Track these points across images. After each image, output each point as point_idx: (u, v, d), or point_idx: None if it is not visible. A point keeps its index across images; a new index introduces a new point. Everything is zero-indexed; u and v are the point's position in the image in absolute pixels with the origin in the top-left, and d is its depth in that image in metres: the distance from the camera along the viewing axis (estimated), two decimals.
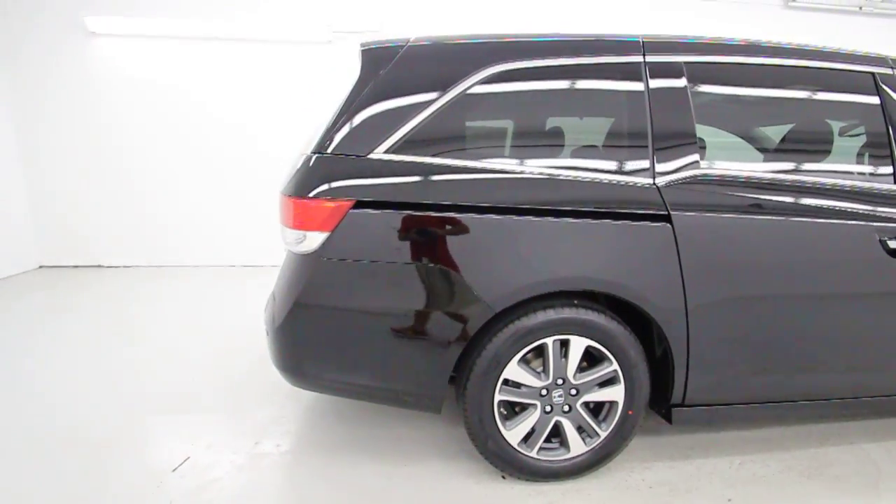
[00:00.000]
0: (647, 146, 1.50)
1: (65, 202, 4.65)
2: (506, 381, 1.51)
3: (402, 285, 1.43)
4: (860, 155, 1.76)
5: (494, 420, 1.52)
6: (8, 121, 4.43)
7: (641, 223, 1.45)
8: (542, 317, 1.46)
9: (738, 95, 1.67)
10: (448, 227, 1.41)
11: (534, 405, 1.55)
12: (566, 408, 1.56)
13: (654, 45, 1.55)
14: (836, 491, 1.61)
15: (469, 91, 1.48)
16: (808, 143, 1.75)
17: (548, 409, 1.55)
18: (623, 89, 1.53)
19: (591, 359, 1.55)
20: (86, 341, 2.83)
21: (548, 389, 1.54)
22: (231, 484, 1.60)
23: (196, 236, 4.81)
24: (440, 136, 1.47)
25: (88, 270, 4.63)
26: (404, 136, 1.45)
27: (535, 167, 1.49)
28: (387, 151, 1.44)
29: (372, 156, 1.44)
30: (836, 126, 1.82)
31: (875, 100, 1.64)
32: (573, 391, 1.55)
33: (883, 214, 1.58)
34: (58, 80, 4.40)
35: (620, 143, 1.56)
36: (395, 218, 1.41)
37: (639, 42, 1.55)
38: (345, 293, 1.44)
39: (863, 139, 1.76)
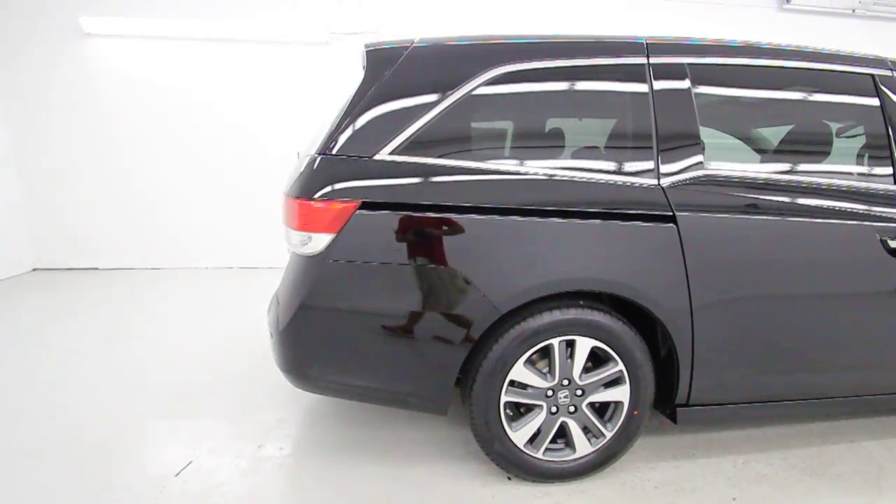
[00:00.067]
0: (651, 147, 1.51)
1: (59, 203, 4.60)
2: (512, 383, 1.51)
3: (408, 287, 1.43)
4: (860, 156, 1.78)
5: (501, 421, 1.52)
6: (1, 121, 4.38)
7: (647, 224, 1.46)
8: (547, 318, 1.46)
9: (741, 97, 1.69)
10: (454, 228, 1.41)
11: (539, 406, 1.55)
12: (572, 408, 1.56)
13: (658, 46, 1.56)
14: (838, 489, 1.62)
15: (475, 92, 1.48)
16: (809, 144, 1.77)
17: (553, 409, 1.55)
18: (627, 91, 1.53)
19: (595, 359, 1.55)
20: (83, 345, 2.80)
21: (553, 390, 1.54)
22: (235, 488, 1.58)
23: (194, 238, 4.77)
24: (446, 138, 1.47)
25: (84, 273, 4.58)
26: (410, 137, 1.44)
27: (541, 168, 1.49)
28: (392, 153, 1.44)
29: (377, 157, 1.44)
30: (835, 127, 1.84)
31: (875, 101, 1.66)
32: (579, 392, 1.55)
33: (883, 214, 1.60)
34: (52, 80, 4.35)
35: (625, 144, 1.56)
36: (401, 219, 1.40)
37: (643, 44, 1.56)
38: (350, 295, 1.44)
39: (862, 140, 1.78)
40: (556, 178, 1.47)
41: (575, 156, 1.66)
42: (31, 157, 4.49)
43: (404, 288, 1.43)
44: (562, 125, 1.70)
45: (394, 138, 1.44)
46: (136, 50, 4.40)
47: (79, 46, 4.31)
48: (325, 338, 1.48)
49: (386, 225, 1.40)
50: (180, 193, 4.71)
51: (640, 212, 1.46)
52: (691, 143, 1.53)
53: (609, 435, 1.59)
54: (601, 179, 1.49)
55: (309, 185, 1.43)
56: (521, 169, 1.48)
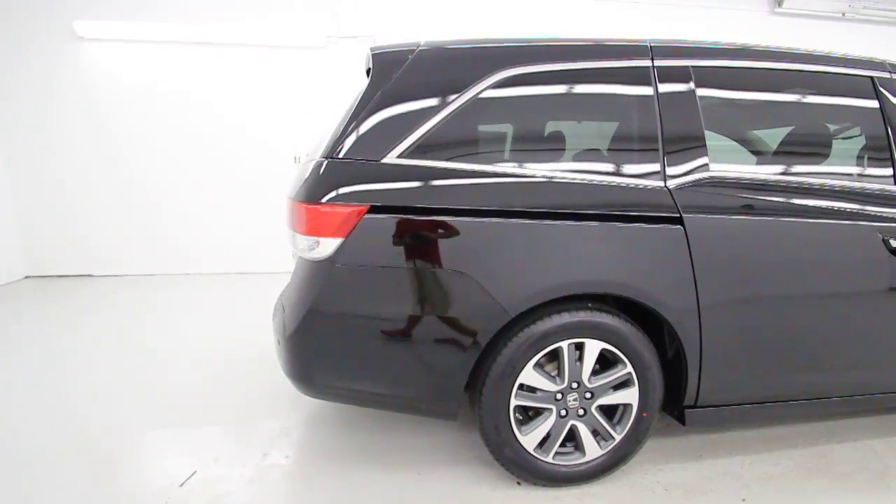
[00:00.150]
0: (657, 149, 1.52)
1: (52, 210, 4.54)
2: (521, 386, 1.50)
3: (416, 291, 1.42)
4: (860, 157, 1.80)
5: (510, 426, 1.51)
6: None
7: (654, 226, 1.46)
8: (557, 320, 1.45)
9: (744, 99, 1.70)
10: (462, 231, 1.40)
11: (549, 410, 1.54)
12: (581, 411, 1.56)
13: (662, 49, 1.57)
14: (846, 488, 1.63)
15: (481, 95, 1.48)
16: (811, 145, 1.78)
17: (563, 413, 1.55)
18: (633, 93, 1.54)
19: (604, 362, 1.55)
20: (79, 353, 2.76)
21: (563, 393, 1.53)
22: (242, 497, 1.56)
23: (190, 244, 4.74)
24: (453, 141, 1.46)
25: (77, 280, 4.52)
26: (417, 140, 1.44)
27: (549, 171, 1.50)
28: (400, 156, 1.43)
29: (385, 160, 1.43)
30: (833, 129, 1.86)
31: (874, 103, 1.68)
32: (588, 394, 1.55)
33: (884, 215, 1.61)
34: (45, 85, 4.31)
35: (631, 146, 1.57)
36: (409, 223, 1.40)
37: (647, 47, 1.56)
38: (359, 300, 1.42)
39: (861, 141, 1.80)
40: (564, 180, 1.47)
41: (582, 158, 1.67)
42: (24, 163, 4.43)
43: (413, 292, 1.42)
44: (569, 128, 1.70)
45: (401, 142, 1.44)
46: (132, 54, 4.37)
47: (72, 51, 4.27)
48: (334, 343, 1.46)
49: (394, 229, 1.39)
50: (176, 199, 4.67)
51: (647, 214, 1.46)
52: (696, 145, 1.54)
53: (618, 437, 1.58)
54: (608, 182, 1.49)
55: (316, 189, 1.42)
56: (529, 172, 1.48)
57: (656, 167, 1.51)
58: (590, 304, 1.50)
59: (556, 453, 1.58)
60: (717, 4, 4.84)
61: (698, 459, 1.78)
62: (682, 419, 1.64)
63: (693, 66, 1.57)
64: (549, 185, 1.46)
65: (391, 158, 1.43)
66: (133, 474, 1.69)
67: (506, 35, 1.65)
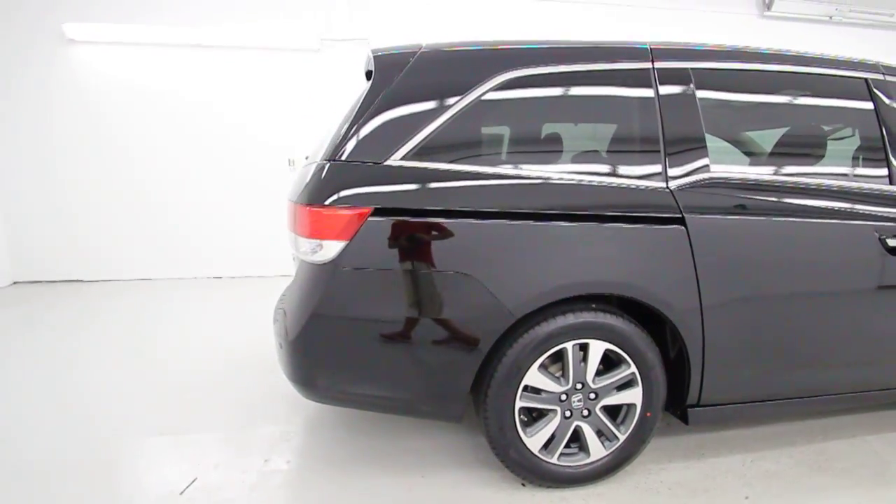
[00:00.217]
0: (659, 151, 1.53)
1: (41, 214, 4.46)
2: (525, 388, 1.50)
3: (421, 294, 1.41)
4: (856, 158, 1.83)
5: (515, 427, 1.51)
6: None
7: (657, 227, 1.47)
8: (561, 321, 1.46)
9: (743, 101, 1.72)
10: (466, 233, 1.40)
11: (553, 411, 1.54)
12: (585, 412, 1.56)
13: (662, 51, 1.58)
14: (846, 484, 1.65)
15: (483, 97, 1.48)
16: (808, 146, 1.81)
17: (567, 414, 1.55)
18: (634, 95, 1.55)
19: (607, 362, 1.56)
20: (72, 360, 2.70)
21: (567, 394, 1.53)
22: None
23: (181, 248, 4.68)
24: (456, 143, 1.46)
25: (66, 285, 4.44)
26: (420, 142, 1.43)
27: (551, 172, 1.50)
28: (403, 158, 1.43)
29: (388, 163, 1.42)
30: (834, 131, 1.89)
31: (869, 104, 1.71)
32: (592, 395, 1.55)
33: (881, 214, 1.64)
34: (34, 89, 4.24)
35: (633, 147, 1.58)
36: (414, 225, 1.39)
37: (647, 49, 1.58)
38: (363, 303, 1.41)
39: (855, 142, 1.82)
40: (568, 182, 1.48)
41: (585, 160, 1.68)
42: (13, 166, 4.35)
43: (417, 295, 1.41)
44: (571, 130, 1.71)
45: (404, 144, 1.43)
46: (123, 57, 4.31)
47: (64, 54, 4.20)
48: (337, 347, 1.45)
49: (399, 231, 1.39)
50: (168, 203, 4.62)
51: (650, 214, 1.47)
52: (697, 146, 1.55)
53: (622, 438, 1.59)
54: (611, 183, 1.50)
55: (319, 191, 1.41)
56: (532, 173, 1.48)
57: (658, 168, 1.52)
58: (593, 305, 1.50)
59: (561, 454, 1.58)
60: (707, 7, 4.90)
61: (700, 458, 1.79)
62: (685, 418, 1.65)
63: (693, 69, 1.59)
64: (553, 186, 1.47)
65: (394, 161, 1.42)
66: (131, 483, 1.66)
67: (502, 38, 1.65)
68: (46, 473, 1.70)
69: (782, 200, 1.58)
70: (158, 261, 4.66)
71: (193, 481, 1.64)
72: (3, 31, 4.11)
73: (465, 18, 4.62)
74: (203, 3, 4.29)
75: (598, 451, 1.59)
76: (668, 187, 1.51)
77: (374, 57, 1.53)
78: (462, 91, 1.47)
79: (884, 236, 1.62)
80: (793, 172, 1.73)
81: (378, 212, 1.38)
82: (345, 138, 1.46)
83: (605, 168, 1.56)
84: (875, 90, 1.72)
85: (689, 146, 1.54)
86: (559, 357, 1.51)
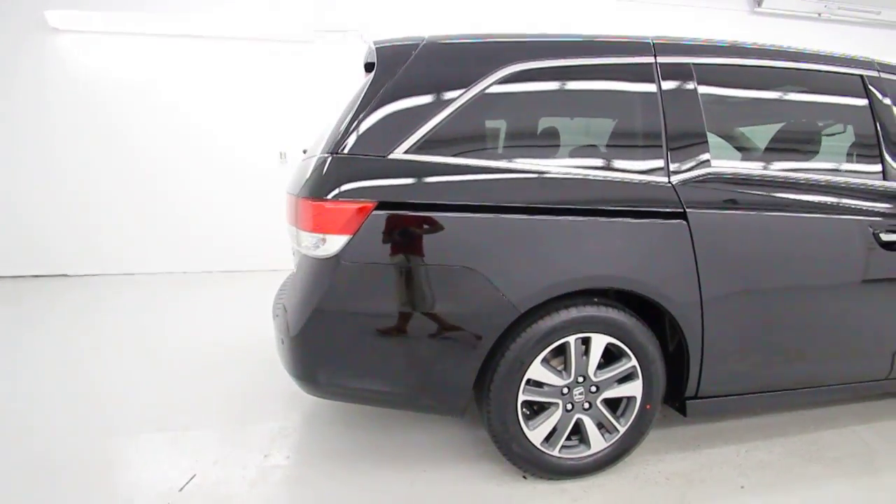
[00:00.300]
0: (661, 146, 1.53)
1: (23, 207, 4.35)
2: (528, 381, 1.50)
3: (425, 288, 1.41)
4: (850, 154, 1.86)
5: (518, 421, 1.51)
6: None
7: (659, 221, 1.48)
8: (564, 315, 1.46)
9: (743, 96, 1.73)
10: (471, 227, 1.40)
11: (555, 404, 1.55)
12: (586, 405, 1.57)
13: (664, 46, 1.59)
14: (838, 473, 1.69)
15: (487, 90, 1.47)
16: (806, 142, 1.84)
17: (569, 407, 1.56)
18: (636, 90, 1.56)
19: (607, 355, 1.57)
20: (60, 357, 2.65)
21: (569, 387, 1.54)
22: (245, 500, 1.53)
23: (169, 241, 4.60)
24: (461, 136, 1.45)
25: (52, 280, 4.35)
26: (424, 136, 1.42)
27: (556, 167, 1.50)
28: (407, 152, 1.41)
29: (392, 156, 1.41)
30: (828, 127, 1.91)
31: (864, 101, 1.74)
32: (593, 388, 1.56)
33: (875, 209, 1.68)
34: (15, 78, 4.11)
35: (636, 142, 1.58)
36: (418, 219, 1.38)
37: (650, 43, 1.58)
38: (367, 298, 1.40)
39: (851, 138, 1.85)
40: (572, 176, 1.48)
41: (590, 154, 1.68)
42: None
43: (421, 289, 1.40)
44: (575, 124, 1.71)
45: (408, 137, 1.42)
46: (107, 47, 4.20)
47: (46, 42, 4.08)
48: (341, 342, 1.44)
49: (403, 225, 1.38)
50: (154, 195, 4.53)
51: (653, 209, 1.48)
52: (698, 141, 1.56)
53: (622, 430, 1.61)
54: (615, 178, 1.50)
55: (322, 185, 1.39)
56: (536, 168, 1.48)
57: (660, 163, 1.53)
58: (596, 299, 1.51)
59: (562, 447, 1.59)
60: (698, 3, 4.93)
61: (696, 449, 1.82)
62: (683, 410, 1.67)
63: (694, 64, 1.59)
64: (557, 181, 1.47)
65: (398, 154, 1.41)
66: (129, 480, 1.63)
67: (500, 30, 1.64)
68: (43, 471, 1.66)
69: (781, 196, 1.60)
70: (145, 255, 4.58)
71: (192, 478, 1.62)
72: None
73: (460, 9, 4.58)
74: None
75: (598, 443, 1.60)
76: (670, 182, 1.52)
77: (377, 49, 1.51)
78: (466, 84, 1.46)
79: (877, 231, 1.65)
80: (791, 168, 1.75)
81: (382, 205, 1.37)
82: (347, 131, 1.44)
83: (609, 163, 1.56)
84: (870, 87, 1.75)
85: (690, 141, 1.55)
86: (560, 351, 1.52)
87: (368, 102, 1.45)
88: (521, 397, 1.50)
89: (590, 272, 1.45)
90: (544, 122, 1.65)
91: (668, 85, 1.56)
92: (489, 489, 1.59)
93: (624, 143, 1.63)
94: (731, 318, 1.57)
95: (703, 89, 1.59)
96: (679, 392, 1.66)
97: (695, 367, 1.59)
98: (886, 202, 1.70)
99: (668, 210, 1.49)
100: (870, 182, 1.73)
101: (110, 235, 4.51)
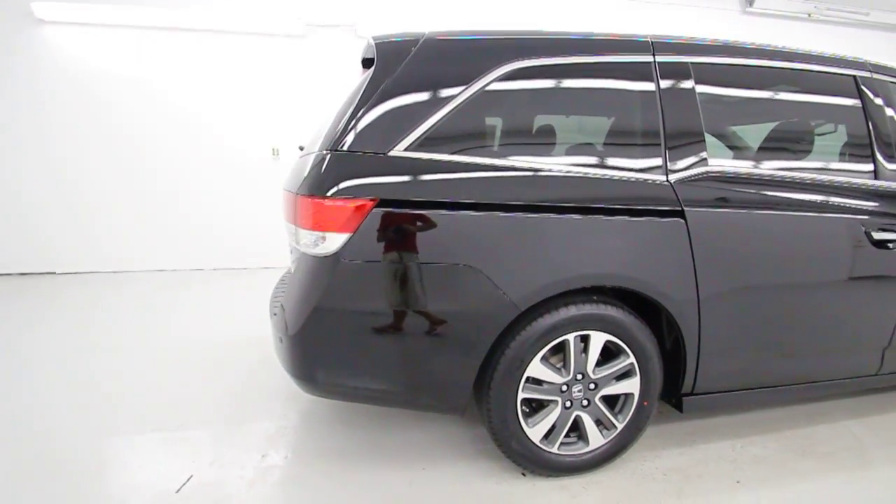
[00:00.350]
0: (659, 144, 1.54)
1: (10, 204, 4.26)
2: (528, 379, 1.51)
3: (426, 287, 1.40)
4: (843, 153, 1.88)
5: (518, 419, 1.52)
6: None
7: (658, 219, 1.49)
8: (564, 313, 1.47)
9: (739, 96, 1.75)
10: (472, 225, 1.39)
11: (555, 401, 1.56)
12: (585, 402, 1.58)
13: (662, 45, 1.59)
14: (831, 467, 1.72)
15: (488, 88, 1.46)
16: (800, 142, 1.86)
17: (568, 404, 1.57)
18: (635, 88, 1.56)
19: (605, 353, 1.58)
20: (53, 355, 2.60)
21: (568, 385, 1.55)
22: (243, 502, 1.51)
23: (158, 239, 4.54)
24: (461, 134, 1.44)
25: (40, 278, 4.27)
26: (425, 133, 1.41)
27: (555, 165, 1.50)
28: (407, 149, 1.40)
29: (392, 153, 1.40)
30: (820, 127, 1.94)
31: (857, 101, 1.76)
32: (592, 385, 1.57)
33: (866, 208, 1.70)
34: (0, 71, 4.02)
35: (635, 141, 1.58)
36: (419, 217, 1.37)
37: (648, 42, 1.58)
38: (367, 296, 1.39)
39: (844, 137, 1.88)
40: (573, 174, 1.48)
41: (589, 152, 1.68)
42: None
43: (422, 288, 1.40)
44: (574, 122, 1.71)
45: (408, 134, 1.41)
46: (95, 39, 4.12)
47: (32, 34, 3.99)
48: (340, 341, 1.43)
49: (404, 223, 1.37)
50: (143, 192, 4.46)
51: (651, 207, 1.49)
52: (696, 140, 1.57)
53: (620, 426, 1.62)
54: (614, 176, 1.50)
55: (321, 182, 1.38)
56: (537, 165, 1.48)
57: (659, 162, 1.54)
58: (595, 297, 1.52)
59: (561, 444, 1.60)
60: (690, 2, 4.96)
61: (692, 445, 1.84)
62: (679, 406, 1.69)
63: (692, 63, 1.60)
64: (558, 178, 1.47)
65: (399, 151, 1.40)
66: (124, 482, 1.61)
67: (497, 26, 1.63)
68: (36, 473, 1.63)
69: (776, 194, 1.62)
70: (136, 252, 4.52)
71: (189, 479, 1.61)
72: None
73: (452, 5, 4.56)
74: None
75: (596, 439, 1.61)
76: (668, 180, 1.53)
77: (376, 44, 1.49)
78: (466, 81, 1.45)
79: (869, 230, 1.68)
80: (786, 167, 1.77)
81: (383, 203, 1.36)
82: (346, 128, 1.42)
83: (609, 161, 1.56)
84: (863, 87, 1.77)
85: (688, 140, 1.56)
86: (559, 348, 1.52)
87: (368, 99, 1.43)
88: (521, 395, 1.50)
89: (590, 270, 1.45)
90: (545, 120, 1.65)
91: (666, 83, 1.56)
92: (489, 487, 1.59)
93: (623, 141, 1.63)
94: (727, 316, 1.59)
95: (700, 88, 1.60)
96: (675, 388, 1.68)
97: (691, 364, 1.60)
98: (878, 201, 1.73)
99: (666, 208, 1.50)
100: (862, 181, 1.75)
101: (97, 233, 4.43)
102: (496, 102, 1.49)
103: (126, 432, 1.89)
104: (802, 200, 1.64)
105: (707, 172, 1.56)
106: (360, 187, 1.36)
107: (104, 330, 3.02)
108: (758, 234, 1.58)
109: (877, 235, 1.68)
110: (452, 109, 1.44)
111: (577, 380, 1.55)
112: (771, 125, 1.87)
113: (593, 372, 1.56)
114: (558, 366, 1.55)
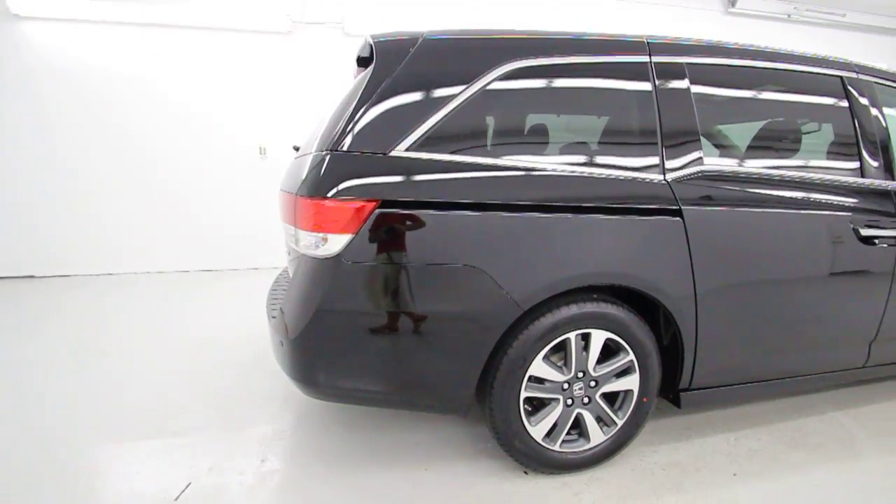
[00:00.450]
0: (656, 143, 1.56)
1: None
2: (530, 378, 1.51)
3: (429, 287, 1.40)
4: (830, 152, 1.93)
5: (521, 418, 1.52)
6: None
7: (656, 218, 1.51)
8: (565, 312, 1.48)
9: (732, 96, 1.78)
10: (474, 225, 1.39)
11: (556, 400, 1.57)
12: (586, 400, 1.60)
13: (658, 45, 1.61)
14: (823, 458, 1.77)
15: (488, 87, 1.46)
16: (789, 141, 1.90)
17: (569, 402, 1.58)
18: (633, 88, 1.57)
19: (605, 350, 1.59)
20: (40, 361, 2.52)
21: (569, 383, 1.56)
22: None
23: (142, 241, 4.43)
24: (462, 133, 1.44)
25: (19, 282, 4.14)
26: (426, 133, 1.40)
27: (556, 164, 1.50)
28: (408, 149, 1.39)
29: (393, 154, 1.38)
30: (806, 125, 1.98)
31: (843, 101, 1.81)
32: (592, 383, 1.59)
33: (854, 205, 1.75)
34: None
35: (633, 140, 1.60)
36: (421, 218, 1.36)
37: (644, 42, 1.60)
38: (370, 298, 1.38)
39: (831, 136, 1.93)
40: (572, 174, 1.49)
41: (588, 151, 1.69)
42: None
43: (425, 288, 1.39)
44: (574, 121, 1.72)
45: (409, 134, 1.40)
46: (75, 35, 4.00)
47: (7, 30, 3.85)
48: (343, 344, 1.41)
49: (406, 224, 1.36)
50: (124, 193, 4.35)
51: (650, 206, 1.51)
52: (692, 139, 1.59)
53: (620, 423, 1.64)
54: (612, 175, 1.52)
55: (322, 183, 1.36)
56: (537, 165, 1.48)
57: (656, 161, 1.55)
58: (595, 296, 1.53)
59: (563, 441, 1.61)
60: (673, 2, 5.03)
61: (688, 439, 1.87)
62: (677, 402, 1.72)
63: (687, 63, 1.62)
64: (558, 178, 1.47)
65: (399, 151, 1.39)
66: (121, 491, 1.56)
67: (497, 26, 1.63)
68: (30, 482, 1.58)
69: (769, 192, 1.65)
70: (120, 254, 4.40)
71: (188, 486, 1.57)
72: None
73: (440, 4, 4.54)
74: None
75: (597, 436, 1.63)
76: (665, 179, 1.55)
77: (375, 43, 1.48)
78: (466, 80, 1.44)
79: (856, 226, 1.73)
80: (778, 165, 1.81)
81: (384, 204, 1.35)
82: (345, 128, 1.41)
83: (607, 160, 1.57)
84: (849, 87, 1.82)
85: (684, 139, 1.58)
86: (560, 347, 1.53)
87: (367, 98, 1.42)
88: (524, 394, 1.51)
89: (593, 269, 1.46)
90: (545, 119, 1.65)
91: (662, 83, 1.58)
92: (491, 485, 1.60)
93: (621, 140, 1.65)
94: (724, 312, 1.62)
95: (695, 88, 1.62)
96: (673, 384, 1.71)
97: (689, 360, 1.63)
98: (864, 198, 1.78)
99: (664, 207, 1.51)
100: (849, 179, 1.80)
101: (78, 235, 4.31)
102: (497, 102, 1.49)
103: (123, 438, 1.84)
104: (795, 198, 1.68)
105: (703, 171, 1.59)
106: (362, 188, 1.35)
107: (84, 335, 2.93)
108: (753, 232, 1.61)
109: (864, 232, 1.73)
110: (453, 109, 1.43)
111: (578, 378, 1.56)
112: (761, 124, 1.91)
113: (594, 370, 1.57)
114: (559, 364, 1.56)
